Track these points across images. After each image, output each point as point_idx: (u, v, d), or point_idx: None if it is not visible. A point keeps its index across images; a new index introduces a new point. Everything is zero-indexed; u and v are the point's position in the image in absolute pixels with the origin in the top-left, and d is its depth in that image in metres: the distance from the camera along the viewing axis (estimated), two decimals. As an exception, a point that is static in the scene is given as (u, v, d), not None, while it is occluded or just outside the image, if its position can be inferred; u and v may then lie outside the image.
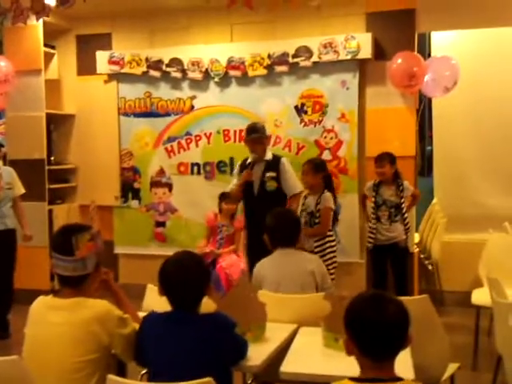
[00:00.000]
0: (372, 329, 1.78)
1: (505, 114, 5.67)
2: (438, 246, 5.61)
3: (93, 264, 2.37)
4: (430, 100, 6.14)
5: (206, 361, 2.24)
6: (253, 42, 5.73)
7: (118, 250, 6.22)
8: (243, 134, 5.20)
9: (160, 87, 6.00)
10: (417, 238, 5.72)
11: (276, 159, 4.98)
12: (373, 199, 5.03)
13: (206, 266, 2.47)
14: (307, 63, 5.53)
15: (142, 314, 2.54)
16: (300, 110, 5.66)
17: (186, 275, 2.33)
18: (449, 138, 5.86)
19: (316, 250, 4.70)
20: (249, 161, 4.96)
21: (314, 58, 5.50)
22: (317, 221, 4.80)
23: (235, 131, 5.82)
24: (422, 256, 5.76)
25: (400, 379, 1.79)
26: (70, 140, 6.35)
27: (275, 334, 2.69)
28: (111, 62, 5.99)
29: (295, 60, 5.55)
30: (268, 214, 3.53)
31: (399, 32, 5.41)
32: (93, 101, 6.21)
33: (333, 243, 4.83)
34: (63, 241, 2.34)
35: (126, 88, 6.09)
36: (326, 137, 5.62)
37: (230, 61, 5.72)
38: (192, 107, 5.94)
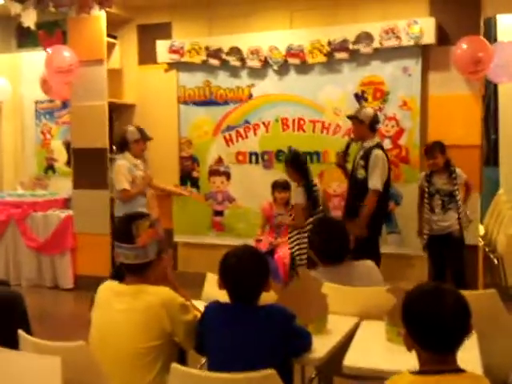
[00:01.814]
0: (431, 322, 1.72)
1: None
2: (504, 238, 5.40)
3: (154, 251, 2.38)
4: (495, 86, 5.90)
5: (265, 352, 2.22)
6: (312, 28, 5.65)
7: (177, 238, 6.27)
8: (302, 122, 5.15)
9: (219, 76, 6.00)
10: (481, 230, 5.52)
11: (370, 149, 4.83)
12: (426, 190, 4.90)
13: (266, 261, 2.44)
14: (368, 50, 5.41)
15: (201, 303, 2.54)
16: (360, 97, 5.55)
17: (245, 270, 2.31)
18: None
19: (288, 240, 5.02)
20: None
21: (375, 45, 5.37)
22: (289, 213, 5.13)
23: (294, 120, 5.77)
24: (486, 249, 5.57)
25: (462, 371, 1.73)
26: (131, 129, 6.44)
27: (337, 326, 2.63)
28: (171, 50, 6.02)
29: (356, 47, 5.44)
30: (314, 224, 3.40)
31: (464, 16, 5.22)
32: (153, 90, 6.26)
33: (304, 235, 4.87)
34: (124, 229, 2.38)
35: (186, 77, 6.12)
36: (386, 125, 5.49)
37: (289, 48, 5.66)
38: (250, 96, 5.91)
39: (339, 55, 5.52)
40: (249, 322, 2.28)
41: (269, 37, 5.77)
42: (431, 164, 4.89)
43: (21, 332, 2.37)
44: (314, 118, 5.69)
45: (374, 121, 4.94)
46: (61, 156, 7.03)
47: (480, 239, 5.37)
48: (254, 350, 2.22)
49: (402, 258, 5.41)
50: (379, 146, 4.92)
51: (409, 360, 1.86)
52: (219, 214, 6.12)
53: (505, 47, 5.13)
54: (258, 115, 5.90)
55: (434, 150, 4.87)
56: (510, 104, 5.65)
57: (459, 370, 1.73)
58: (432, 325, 1.73)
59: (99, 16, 5.90)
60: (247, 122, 5.95)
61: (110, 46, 6.24)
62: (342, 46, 5.48)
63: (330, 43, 5.52)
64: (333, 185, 5.64)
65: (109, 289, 2.44)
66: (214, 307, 2.39)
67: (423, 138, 5.39)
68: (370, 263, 3.20)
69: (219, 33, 5.96)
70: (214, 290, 2.57)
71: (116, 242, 2.39)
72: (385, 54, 5.41)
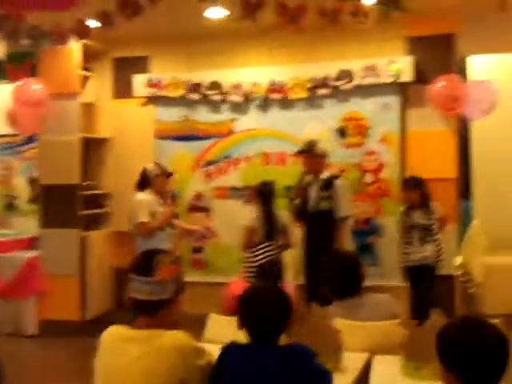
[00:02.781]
0: (478, 357, 1.69)
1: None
2: (479, 268, 5.58)
3: (172, 290, 2.19)
4: (468, 122, 6.15)
5: None
6: (293, 65, 5.76)
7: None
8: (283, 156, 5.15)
9: (199, 110, 5.98)
10: (458, 260, 5.70)
11: (331, 179, 4.99)
12: (404, 224, 5.02)
13: (288, 299, 2.35)
14: (349, 86, 5.56)
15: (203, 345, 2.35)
16: (341, 132, 5.67)
17: (269, 309, 2.23)
18: (488, 161, 5.88)
19: None
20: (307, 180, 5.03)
21: (356, 81, 5.54)
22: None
23: (275, 154, 5.81)
24: (463, 279, 5.74)
25: None
26: (105, 164, 6.24)
27: (350, 363, 2.58)
28: (149, 84, 5.95)
29: (337, 83, 5.58)
30: (323, 260, 3.42)
31: (439, 55, 5.51)
32: (129, 124, 6.15)
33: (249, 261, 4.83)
34: (143, 261, 2.22)
35: (164, 111, 6.05)
36: (367, 159, 5.63)
37: (270, 84, 5.73)
38: (232, 130, 5.91)
39: (320, 91, 5.64)
40: (271, 362, 2.18)
41: (250, 72, 5.83)
42: (405, 198, 5.04)
43: None
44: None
45: (327, 153, 5.14)
46: (23, 193, 6.68)
47: (456, 269, 5.53)
48: None
49: (384, 289, 5.41)
50: (338, 176, 5.09)
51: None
52: (197, 250, 5.98)
53: (478, 86, 5.38)
54: (240, 150, 5.90)
55: (408, 184, 5.03)
56: (481, 139, 5.89)
57: None
58: (478, 361, 1.69)
59: (73, 48, 5.73)
60: (228, 156, 5.93)
61: (85, 79, 6.05)
62: (323, 82, 5.62)
63: (311, 79, 5.64)
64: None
65: (116, 334, 2.23)
66: (232, 349, 2.25)
67: (403, 172, 5.56)
68: (385, 296, 3.23)
69: (198, 68, 5.97)
70: (218, 331, 2.46)
71: (132, 274, 2.20)
72: (365, 91, 5.59)
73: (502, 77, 5.56)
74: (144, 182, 4.94)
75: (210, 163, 5.97)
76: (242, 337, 2.26)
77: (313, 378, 2.17)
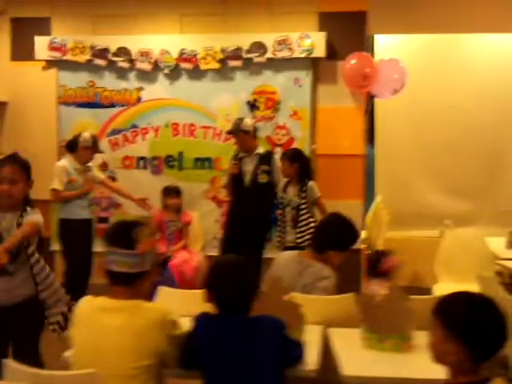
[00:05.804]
0: (489, 330, 1.74)
1: (443, 117, 5.93)
2: (381, 241, 5.75)
3: (150, 262, 2.22)
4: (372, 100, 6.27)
5: (262, 364, 2.17)
6: (205, 34, 5.61)
7: (54, 246, 5.79)
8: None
9: (105, 77, 5.71)
10: (364, 234, 5.84)
11: (268, 153, 5.08)
12: (280, 200, 4.93)
13: (256, 270, 2.41)
14: (261, 59, 5.50)
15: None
16: (252, 105, 5.62)
17: (243, 277, 2.27)
18: (390, 139, 6.02)
19: None
20: (240, 155, 5.04)
21: (269, 55, 5.48)
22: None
23: (185, 125, 5.68)
24: (367, 252, 5.89)
25: (488, 380, 1.76)
26: (2, 130, 5.86)
27: (309, 336, 2.57)
28: (52, 47, 5.62)
29: (249, 55, 5.50)
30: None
31: (350, 33, 5.53)
32: (29, 88, 5.78)
33: None
34: (123, 233, 2.20)
35: (67, 76, 5.74)
36: (277, 133, 5.62)
37: (181, 53, 5.56)
38: (139, 99, 5.70)
39: (232, 63, 5.54)
40: (244, 333, 2.22)
41: (160, 40, 5.62)
42: (283, 171, 4.92)
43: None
44: (206, 124, 5.65)
45: (256, 128, 5.10)
46: None
47: (361, 243, 5.68)
48: (251, 362, 2.16)
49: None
50: (273, 151, 5.24)
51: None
52: (103, 220, 5.77)
53: (387, 64, 5.46)
54: (147, 119, 5.71)
55: (283, 156, 4.97)
56: (384, 118, 6.02)
57: (487, 380, 1.75)
58: (490, 334, 1.74)
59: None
60: (135, 126, 5.73)
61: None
62: (236, 53, 5.52)
63: (223, 50, 5.52)
64: (223, 191, 5.60)
65: (95, 304, 2.22)
66: (205, 319, 2.27)
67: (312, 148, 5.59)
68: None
69: (105, 32, 5.69)
70: (167, 304, 2.42)
71: (110, 247, 2.18)
72: (277, 65, 5.54)
73: (405, 57, 5.65)
74: (72, 145, 4.88)
75: (115, 132, 5.74)
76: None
77: (286, 348, 2.22)
